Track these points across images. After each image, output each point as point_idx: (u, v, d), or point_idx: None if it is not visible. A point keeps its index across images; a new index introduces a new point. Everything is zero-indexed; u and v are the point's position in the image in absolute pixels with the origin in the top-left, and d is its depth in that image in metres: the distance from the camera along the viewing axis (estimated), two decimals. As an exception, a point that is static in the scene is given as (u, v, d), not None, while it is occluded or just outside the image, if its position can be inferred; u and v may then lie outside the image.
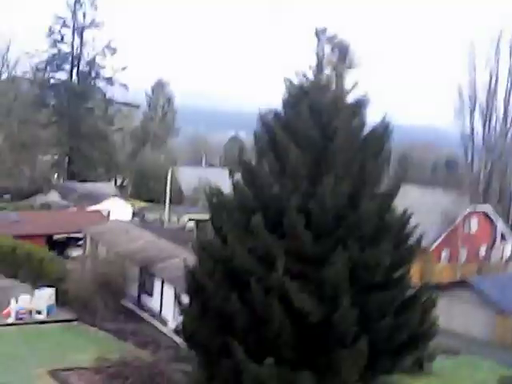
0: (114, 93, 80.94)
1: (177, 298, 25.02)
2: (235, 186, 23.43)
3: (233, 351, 22.04)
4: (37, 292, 35.07)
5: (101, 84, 79.86)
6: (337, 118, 21.39)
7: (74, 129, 77.53)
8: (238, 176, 23.76)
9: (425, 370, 30.51)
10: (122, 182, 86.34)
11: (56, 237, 49.80)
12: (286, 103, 22.99)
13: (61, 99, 78.92)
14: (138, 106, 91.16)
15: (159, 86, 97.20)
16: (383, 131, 22.45)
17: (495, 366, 32.39)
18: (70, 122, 77.63)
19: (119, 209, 60.87)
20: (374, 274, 21.45)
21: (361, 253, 21.13)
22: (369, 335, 21.08)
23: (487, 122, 75.96)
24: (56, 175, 77.66)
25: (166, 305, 35.65)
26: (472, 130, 74.09)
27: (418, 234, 23.83)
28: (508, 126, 75.39)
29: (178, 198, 76.99)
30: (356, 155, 21.49)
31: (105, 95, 80.00)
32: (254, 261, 21.54)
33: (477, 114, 74.40)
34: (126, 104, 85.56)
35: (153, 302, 37.07)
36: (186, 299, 25.16)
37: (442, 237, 55.33)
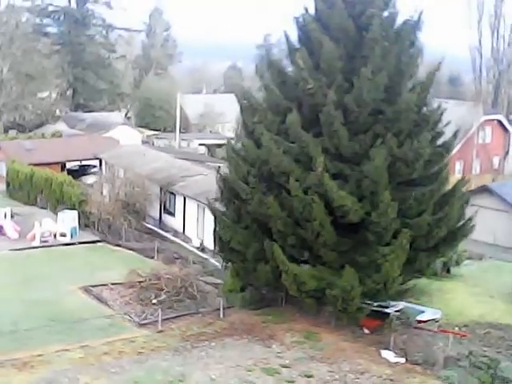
0: (114, 19, 79.48)
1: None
2: (265, 88, 22.94)
3: (272, 254, 22.04)
4: (60, 215, 34.89)
5: (100, 9, 78.24)
6: (370, 8, 20.64)
7: (77, 57, 76.04)
8: (266, 79, 23.25)
9: (451, 274, 30.73)
10: (127, 112, 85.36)
11: (69, 165, 49.45)
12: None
13: (61, 27, 77.39)
14: (139, 31, 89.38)
15: (156, 14, 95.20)
16: (415, 22, 21.77)
17: (519, 268, 32.46)
18: (72, 50, 76.07)
19: (128, 137, 60.22)
20: (413, 168, 21.19)
21: (399, 147, 20.82)
22: (409, 231, 21.02)
23: (495, 32, 74.35)
24: (60, 107, 76.58)
25: (189, 223, 35.53)
26: (480, 41, 72.56)
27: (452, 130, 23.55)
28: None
29: (184, 125, 76.23)
30: (391, 46, 20.88)
31: (104, 20, 78.34)
32: (290, 161, 21.25)
33: (485, 24, 72.74)
34: (126, 29, 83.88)
35: (175, 222, 36.95)
36: (219, 208, 24.99)
37: (457, 147, 54.78)
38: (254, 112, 22.71)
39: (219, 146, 55.38)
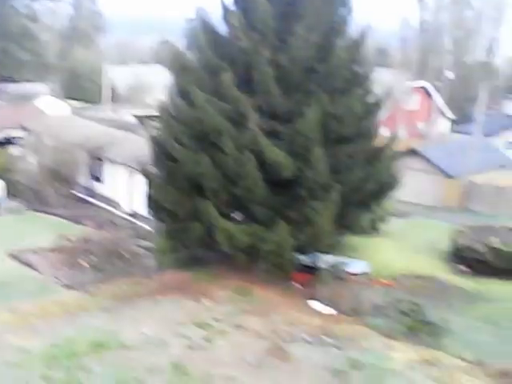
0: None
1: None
2: (198, 47, 22.86)
3: (204, 213, 22.07)
4: (-15, 184, 34.07)
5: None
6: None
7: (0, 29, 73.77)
8: (200, 40, 23.09)
9: (378, 231, 31.57)
10: (53, 83, 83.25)
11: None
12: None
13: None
14: (65, 1, 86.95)
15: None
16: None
17: (444, 225, 33.60)
18: (-5, 22, 73.79)
19: (55, 108, 58.79)
20: (345, 124, 21.62)
21: (332, 104, 21.13)
22: (340, 187, 21.41)
23: (421, 2, 75.92)
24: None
25: (119, 189, 35.24)
26: (406, 11, 74.12)
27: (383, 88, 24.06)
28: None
29: (113, 97, 74.93)
30: (324, 6, 21.16)
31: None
32: (224, 120, 21.33)
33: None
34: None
35: (105, 188, 36.56)
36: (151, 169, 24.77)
37: (385, 114, 55.84)
38: (187, 72, 22.58)
39: (151, 117, 54.81)
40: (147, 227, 30.68)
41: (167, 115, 23.23)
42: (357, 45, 22.37)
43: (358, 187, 22.30)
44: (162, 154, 23.70)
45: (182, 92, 22.87)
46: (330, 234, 21.74)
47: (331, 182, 21.26)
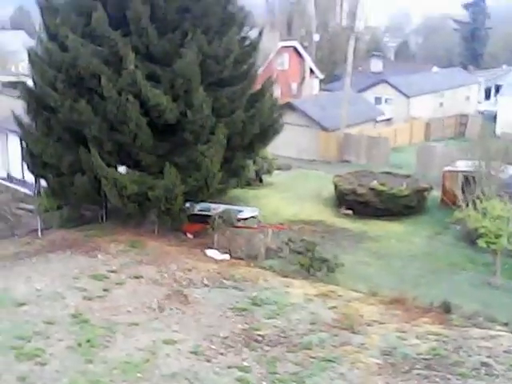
0: None
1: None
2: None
3: (88, 164, 21.41)
4: None
5: None
6: None
7: None
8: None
9: (262, 182, 32.14)
10: None
11: None
12: None
13: None
14: None
15: None
16: None
17: (325, 175, 34.61)
18: None
19: None
20: (224, 65, 21.51)
21: (209, 45, 20.97)
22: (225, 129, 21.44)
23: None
24: None
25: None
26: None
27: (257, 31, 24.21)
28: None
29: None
30: None
31: None
32: (100, 63, 20.56)
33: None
34: None
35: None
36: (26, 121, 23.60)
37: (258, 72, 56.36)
38: (56, 13, 21.61)
39: (14, 83, 52.13)
40: (25, 190, 29.42)
41: (39, 61, 22.08)
42: None
43: (242, 130, 22.37)
44: (37, 104, 22.52)
45: (52, 35, 21.85)
46: (218, 176, 21.73)
47: (215, 125, 21.22)
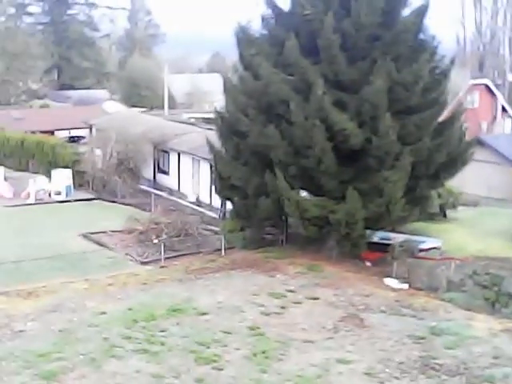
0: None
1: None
2: (262, 19, 22.96)
3: (273, 186, 22.02)
4: (54, 172, 34.65)
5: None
6: None
7: (60, 36, 75.75)
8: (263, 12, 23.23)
9: (447, 217, 30.95)
10: (113, 91, 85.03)
11: (58, 137, 48.99)
12: None
13: (43, 6, 77.02)
14: (124, 8, 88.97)
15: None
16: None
17: (515, 213, 32.71)
18: (55, 29, 75.85)
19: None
20: (412, 92, 21.25)
21: (398, 72, 20.86)
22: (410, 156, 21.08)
23: (478, 4, 74.90)
24: (46, 85, 76.14)
25: (184, 179, 35.40)
26: (463, 14, 73.24)
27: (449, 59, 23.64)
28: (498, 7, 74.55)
29: (171, 104, 76.01)
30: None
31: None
32: (289, 90, 21.25)
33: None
34: (109, 7, 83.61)
35: (170, 180, 36.74)
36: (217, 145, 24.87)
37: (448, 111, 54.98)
38: (251, 44, 22.68)
39: (208, 119, 55.38)
40: (212, 214, 30.81)
41: (233, 89, 23.28)
42: (421, 12, 21.95)
43: (428, 159, 21.87)
44: (228, 129, 23.73)
45: (247, 64, 22.91)
46: (401, 202, 21.34)
47: (400, 151, 20.93)
